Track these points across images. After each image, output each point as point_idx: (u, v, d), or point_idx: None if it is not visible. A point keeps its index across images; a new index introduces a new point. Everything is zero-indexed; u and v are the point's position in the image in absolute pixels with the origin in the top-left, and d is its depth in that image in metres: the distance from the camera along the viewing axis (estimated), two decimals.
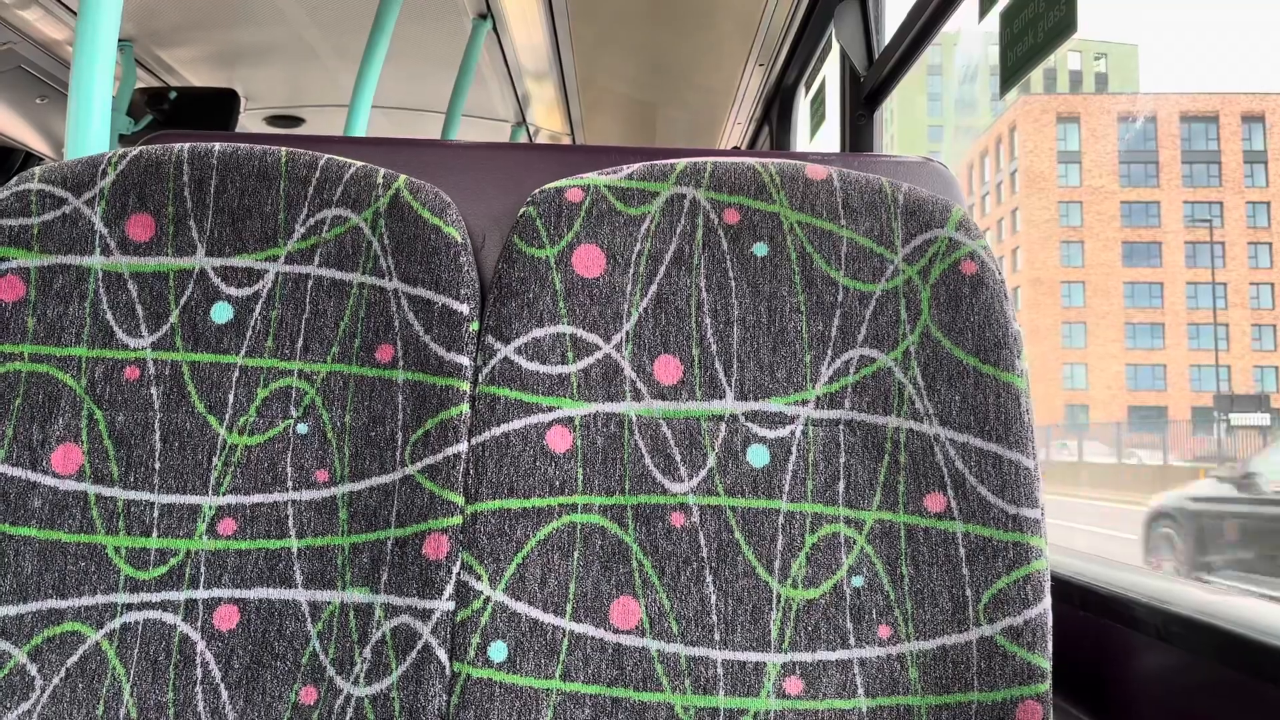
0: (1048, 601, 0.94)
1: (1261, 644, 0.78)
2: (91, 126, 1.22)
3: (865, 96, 2.21)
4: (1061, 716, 1.01)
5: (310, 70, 3.25)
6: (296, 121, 3.72)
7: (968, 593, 0.94)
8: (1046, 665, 0.93)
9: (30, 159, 3.61)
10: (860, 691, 0.93)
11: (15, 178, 1.03)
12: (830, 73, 2.59)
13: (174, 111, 3.01)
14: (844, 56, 2.31)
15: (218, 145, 1.05)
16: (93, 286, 1.01)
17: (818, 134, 2.80)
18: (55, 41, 2.77)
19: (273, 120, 3.70)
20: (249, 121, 3.68)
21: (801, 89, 3.08)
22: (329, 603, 0.96)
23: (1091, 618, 1.02)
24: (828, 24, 2.47)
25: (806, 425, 1.00)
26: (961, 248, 1.01)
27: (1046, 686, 0.93)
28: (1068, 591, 1.05)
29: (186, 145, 1.05)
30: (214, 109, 3.05)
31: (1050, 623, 0.94)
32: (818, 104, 2.77)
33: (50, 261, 1.01)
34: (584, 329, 1.01)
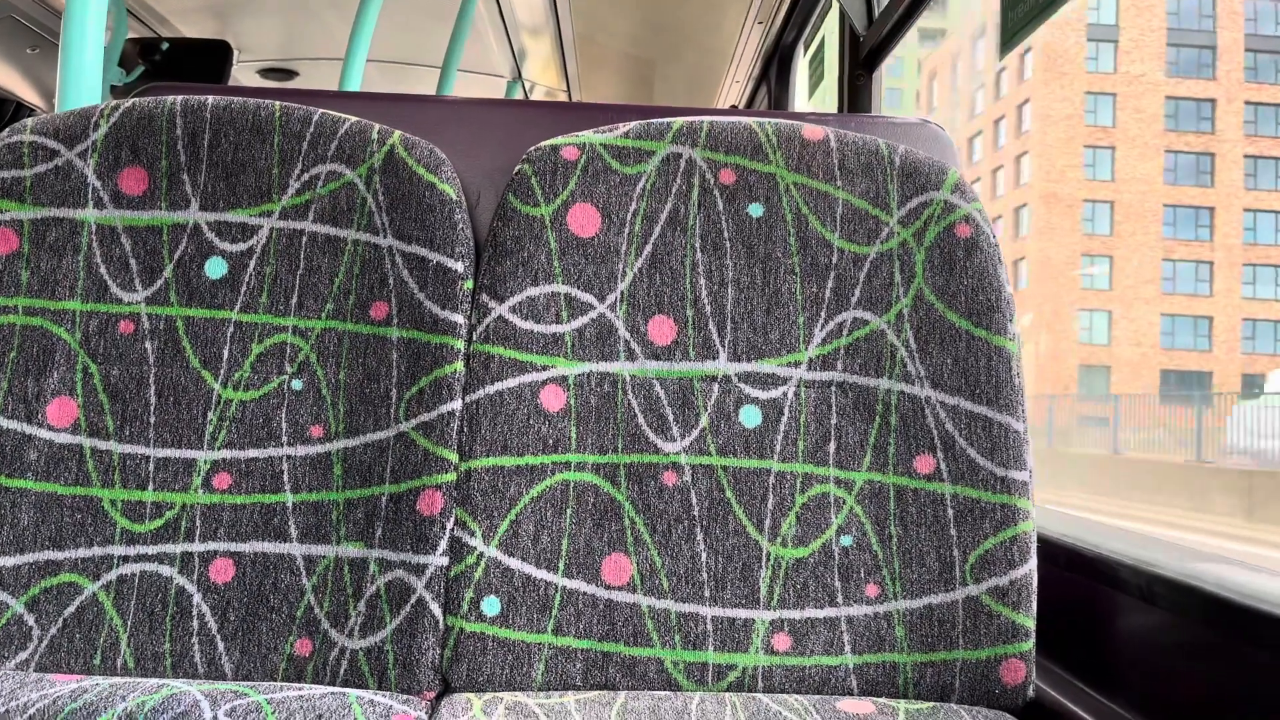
0: (1033, 562, 0.95)
1: (1243, 606, 0.79)
2: (84, 77, 1.20)
3: (864, 57, 2.18)
4: (1044, 675, 1.03)
5: (304, 22, 3.21)
6: (290, 75, 3.68)
7: (955, 553, 0.96)
8: (1031, 624, 0.94)
9: (21, 109, 3.57)
10: (847, 648, 0.95)
11: (7, 129, 1.02)
12: (830, 32, 2.56)
13: (166, 63, 2.97)
14: (843, 15, 2.28)
15: (210, 98, 1.04)
16: (86, 240, 1.01)
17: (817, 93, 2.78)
18: None
19: (266, 73, 3.66)
20: (241, 74, 3.63)
21: (800, 48, 3.05)
22: (323, 557, 0.97)
23: (1076, 578, 1.03)
24: None
25: (799, 386, 1.00)
26: (957, 210, 1.01)
27: (1030, 645, 0.94)
28: (1053, 552, 1.06)
29: (179, 98, 1.04)
30: (206, 60, 3.01)
31: (1035, 583, 0.95)
32: (816, 63, 2.75)
33: (43, 214, 1.01)
34: (578, 288, 1.01)
